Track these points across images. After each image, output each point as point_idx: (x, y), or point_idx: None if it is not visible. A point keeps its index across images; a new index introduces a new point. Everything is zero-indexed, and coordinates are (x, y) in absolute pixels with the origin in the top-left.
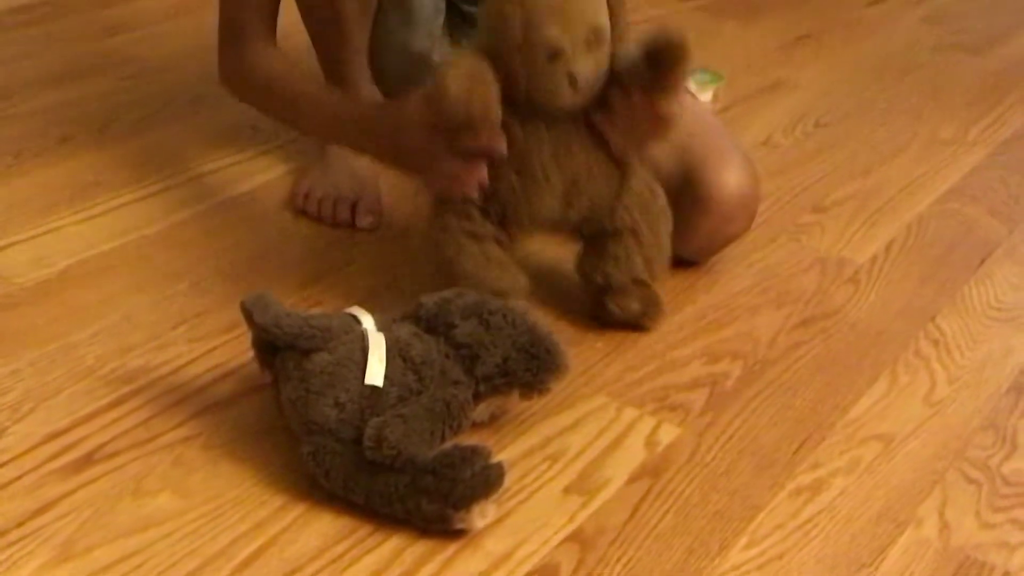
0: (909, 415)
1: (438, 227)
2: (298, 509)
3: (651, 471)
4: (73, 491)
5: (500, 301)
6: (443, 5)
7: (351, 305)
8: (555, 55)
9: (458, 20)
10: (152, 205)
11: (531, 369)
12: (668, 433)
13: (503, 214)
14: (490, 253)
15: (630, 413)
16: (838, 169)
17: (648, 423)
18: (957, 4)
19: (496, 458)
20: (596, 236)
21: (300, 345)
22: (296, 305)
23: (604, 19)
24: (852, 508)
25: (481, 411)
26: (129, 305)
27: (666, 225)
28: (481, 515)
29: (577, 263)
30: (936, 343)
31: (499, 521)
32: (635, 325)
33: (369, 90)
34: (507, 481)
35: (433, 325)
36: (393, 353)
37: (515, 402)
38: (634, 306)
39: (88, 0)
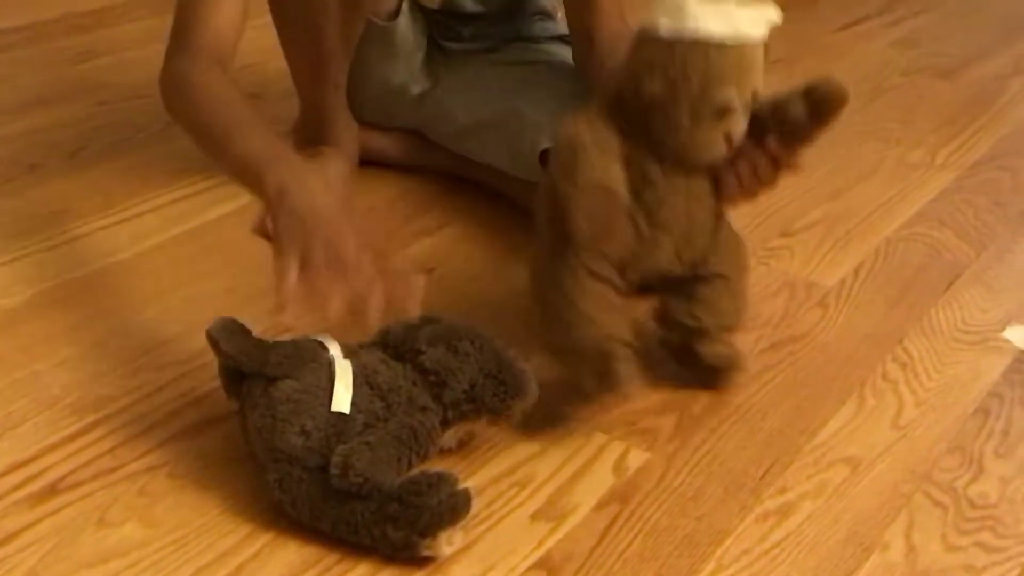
0: (876, 438)
1: (559, 261)
2: (264, 538)
3: (619, 496)
4: (36, 522)
5: (468, 327)
6: (424, 40)
7: (321, 332)
8: (725, 114)
9: (437, 55)
10: (120, 232)
11: (499, 395)
12: (637, 458)
13: (623, 261)
14: (610, 297)
15: (599, 438)
16: (807, 193)
17: (617, 448)
18: (929, 28)
19: (463, 484)
20: (684, 283)
21: (266, 372)
22: (266, 333)
23: (761, 84)
24: (819, 532)
25: (449, 437)
26: (96, 333)
27: (748, 273)
28: (448, 542)
29: (660, 310)
30: (904, 366)
31: (466, 548)
32: (720, 377)
33: (346, 122)
34: (475, 507)
35: (400, 351)
36: (360, 380)
37: (483, 428)
38: (725, 351)
39: (60, 27)
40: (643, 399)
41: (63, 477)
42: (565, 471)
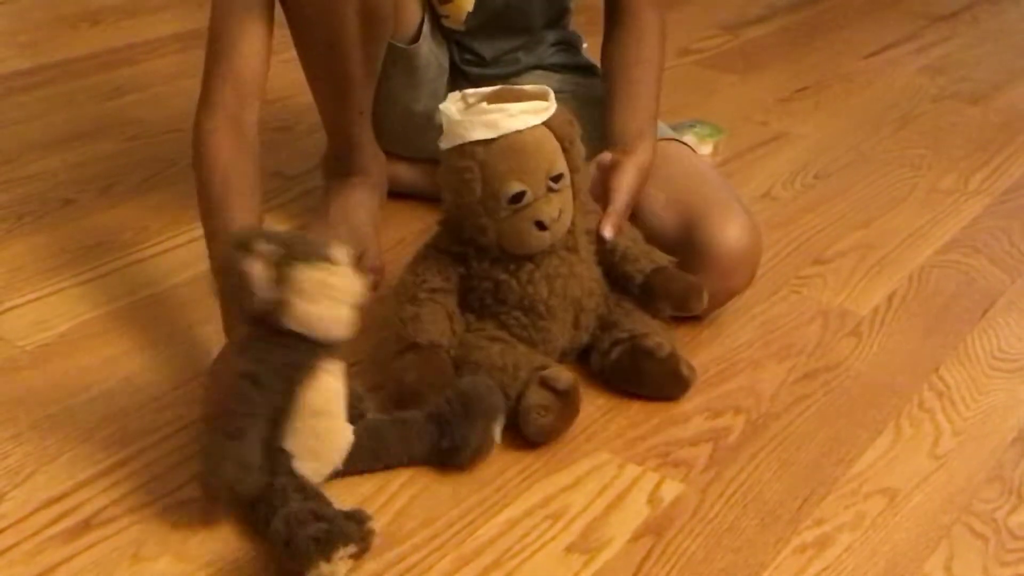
0: (914, 468)
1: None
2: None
3: (654, 529)
4: (72, 557)
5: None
6: (447, 66)
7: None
8: (521, 203)
9: (461, 81)
10: (153, 266)
11: None
12: (671, 490)
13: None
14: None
15: (632, 470)
16: (839, 221)
17: (651, 479)
18: (957, 54)
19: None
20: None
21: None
22: None
23: (560, 165)
24: (857, 565)
25: None
26: (129, 367)
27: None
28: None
29: (598, 346)
30: (940, 395)
31: None
32: (674, 379)
33: (373, 150)
34: (508, 541)
35: None
36: None
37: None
38: (668, 343)
39: (92, 63)
40: (677, 429)
41: (98, 512)
42: (599, 503)
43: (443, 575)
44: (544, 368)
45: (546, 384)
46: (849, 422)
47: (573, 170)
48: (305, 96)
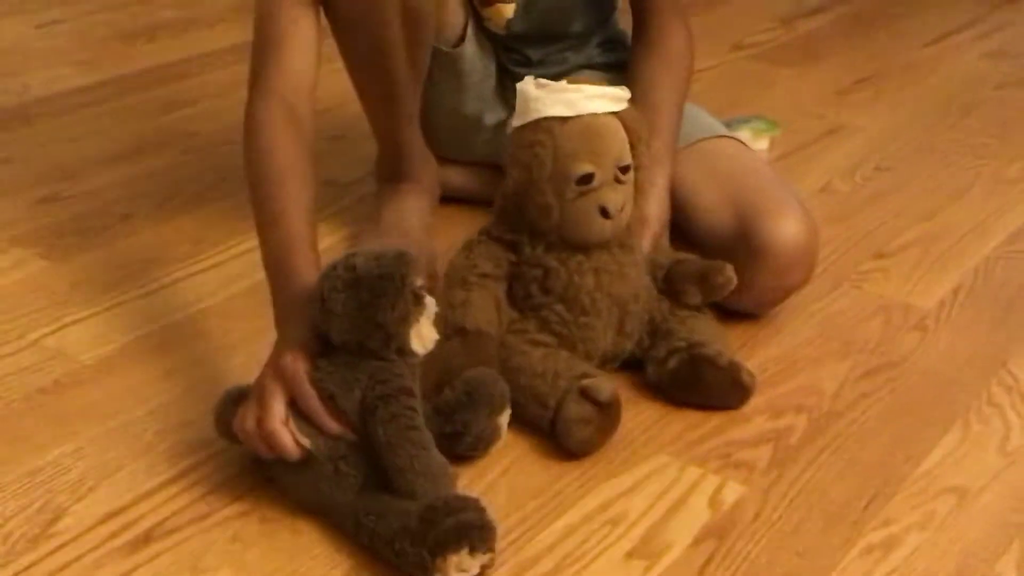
0: (984, 466)
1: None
2: None
3: (716, 532)
4: (132, 570)
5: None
6: (493, 68)
7: None
8: (588, 186)
9: (509, 82)
10: (209, 278)
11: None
12: (733, 492)
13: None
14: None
15: (693, 472)
16: (900, 213)
17: (712, 482)
18: (1019, 38)
19: (490, 515)
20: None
21: None
22: None
23: (628, 157)
24: (927, 566)
25: None
26: (188, 379)
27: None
28: (457, 568)
29: (654, 354)
30: (1009, 389)
31: None
32: (735, 387)
33: (423, 155)
34: (567, 547)
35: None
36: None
37: None
38: (727, 351)
39: (148, 78)
40: (738, 430)
41: (158, 524)
42: (659, 507)
43: None
44: (585, 377)
45: (587, 395)
46: (915, 419)
47: (638, 167)
48: (357, 105)
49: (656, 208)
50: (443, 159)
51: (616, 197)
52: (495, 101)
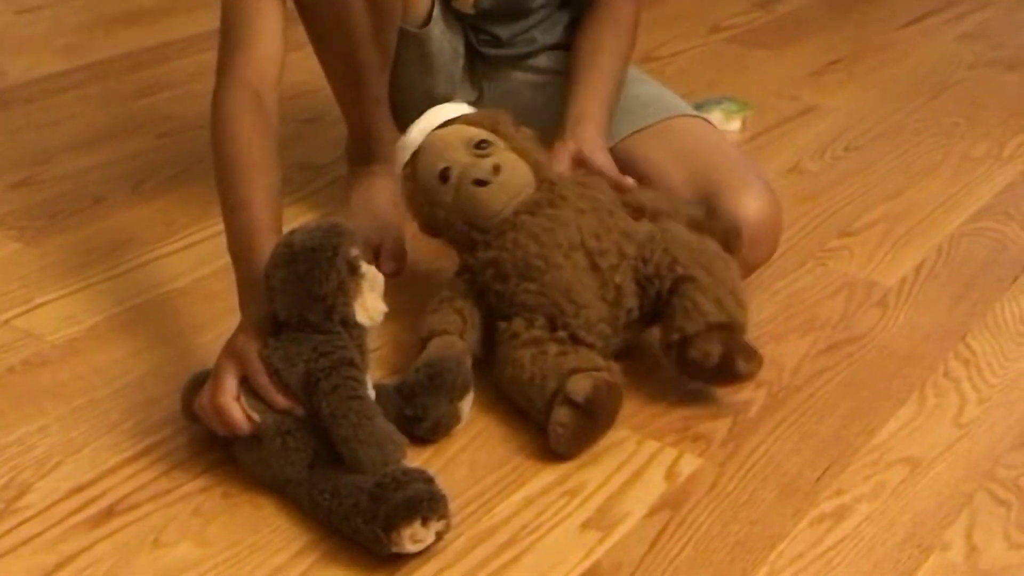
0: (937, 437)
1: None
2: (315, 554)
3: (671, 503)
4: (94, 544)
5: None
6: (462, 49)
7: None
8: (451, 177)
9: (478, 63)
10: (180, 260)
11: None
12: (689, 464)
13: (552, 324)
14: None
15: (650, 445)
16: (867, 192)
17: (669, 455)
18: (996, 20)
19: (439, 485)
20: (659, 306)
21: None
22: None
23: (481, 136)
24: (876, 534)
25: None
26: (155, 359)
27: (724, 266)
28: (412, 539)
29: (659, 345)
30: (967, 363)
31: (515, 559)
32: (733, 376)
33: (392, 137)
34: (524, 518)
35: None
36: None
37: None
38: (716, 348)
39: (126, 63)
40: (697, 405)
41: (120, 500)
42: (616, 479)
43: (458, 553)
44: (574, 373)
45: (567, 398)
46: (872, 393)
47: (506, 138)
48: (325, 92)
49: (588, 109)
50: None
51: (482, 163)
52: (464, 83)
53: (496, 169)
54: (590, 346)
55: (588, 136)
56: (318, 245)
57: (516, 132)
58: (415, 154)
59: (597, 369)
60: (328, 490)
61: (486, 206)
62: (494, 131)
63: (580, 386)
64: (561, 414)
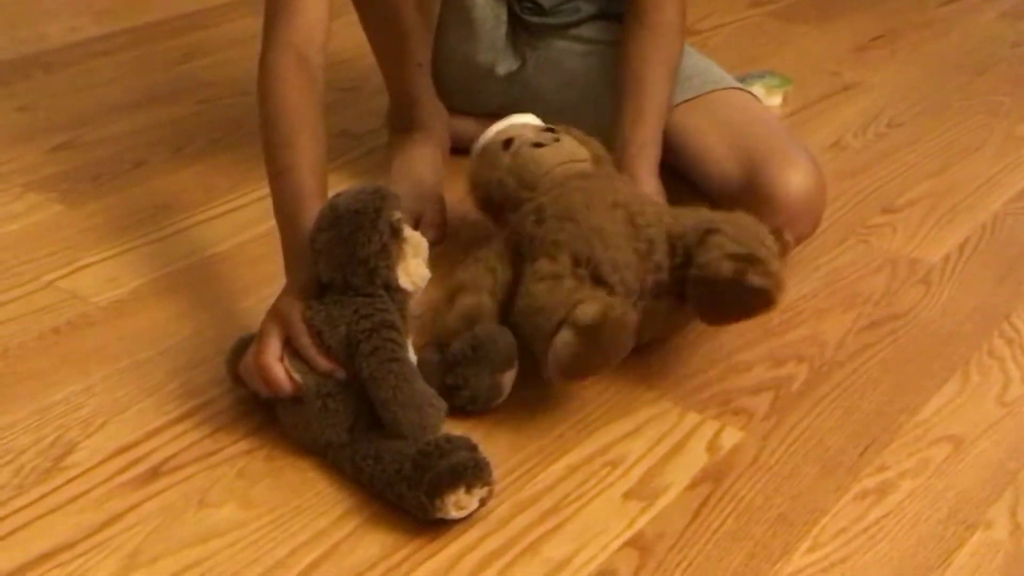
0: (981, 415)
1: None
2: (359, 518)
3: (713, 476)
4: (140, 503)
5: None
6: (504, 16)
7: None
8: (514, 147)
9: (521, 31)
10: (221, 224)
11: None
12: (731, 437)
13: (576, 262)
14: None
15: (692, 418)
16: (910, 169)
17: (711, 427)
18: None
19: (481, 452)
20: (687, 270)
21: None
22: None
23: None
24: (919, 511)
25: None
26: (198, 322)
27: (755, 225)
28: (456, 506)
29: (683, 289)
30: (1011, 342)
31: (558, 527)
32: (748, 292)
33: (434, 105)
34: (566, 487)
35: None
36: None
37: None
38: (728, 264)
39: (163, 29)
40: (739, 378)
41: (165, 460)
42: (658, 451)
43: (501, 520)
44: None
45: (571, 321)
46: (915, 370)
47: (575, 137)
48: (372, 57)
49: (641, 136)
50: (455, 110)
51: (544, 134)
52: (507, 51)
53: (555, 139)
54: (611, 290)
55: (642, 173)
56: (361, 208)
57: (586, 136)
58: (485, 143)
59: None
60: (371, 455)
61: (539, 162)
62: (565, 131)
63: (587, 310)
64: (563, 335)
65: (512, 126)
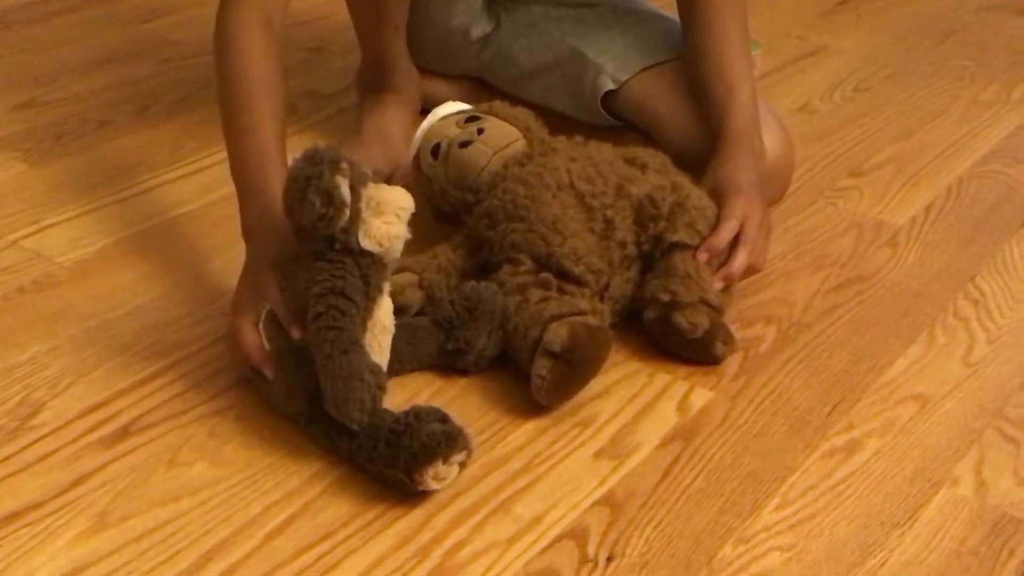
0: (947, 375)
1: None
2: (330, 477)
3: (683, 435)
4: (109, 463)
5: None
6: None
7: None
8: (442, 152)
9: None
10: (187, 185)
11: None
12: (700, 397)
13: (551, 266)
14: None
15: (662, 378)
16: (877, 133)
17: (680, 388)
18: None
19: (453, 421)
20: (659, 249)
21: None
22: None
23: (465, 111)
24: (886, 468)
25: None
26: (164, 282)
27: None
28: (435, 478)
29: (641, 293)
30: (976, 303)
31: (529, 486)
32: (708, 355)
33: (407, 66)
34: (539, 446)
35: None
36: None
37: None
38: (704, 322)
39: None
40: None
41: (135, 420)
42: (628, 411)
43: (472, 479)
44: (555, 319)
45: (545, 349)
46: (882, 331)
47: (498, 114)
48: (338, 16)
49: (740, 121)
50: (427, 71)
51: (467, 128)
52: (482, 14)
53: (479, 131)
54: (580, 283)
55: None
56: (295, 175)
57: (511, 109)
58: (419, 149)
59: (579, 313)
60: (345, 431)
61: (470, 163)
62: (488, 112)
63: (556, 335)
64: (539, 365)
65: (433, 127)
